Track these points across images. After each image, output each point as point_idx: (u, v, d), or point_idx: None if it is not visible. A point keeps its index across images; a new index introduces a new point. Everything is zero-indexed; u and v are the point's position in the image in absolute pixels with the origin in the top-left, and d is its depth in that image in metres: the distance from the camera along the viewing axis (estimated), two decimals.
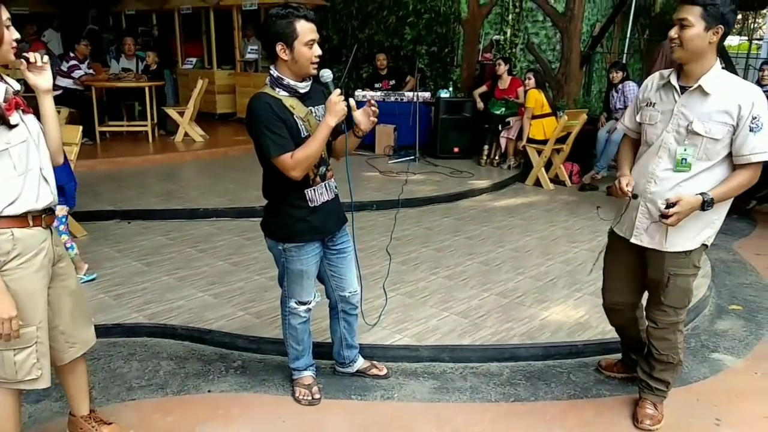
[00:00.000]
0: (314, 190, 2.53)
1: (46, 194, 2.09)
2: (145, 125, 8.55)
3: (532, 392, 2.94)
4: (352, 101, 2.42)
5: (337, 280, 2.77)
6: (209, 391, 2.94)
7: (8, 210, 1.97)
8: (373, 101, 2.52)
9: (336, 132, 2.49)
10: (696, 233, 2.37)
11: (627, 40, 8.98)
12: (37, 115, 2.14)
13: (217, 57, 10.55)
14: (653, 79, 2.45)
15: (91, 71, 8.44)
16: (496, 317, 3.59)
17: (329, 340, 3.06)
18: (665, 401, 2.71)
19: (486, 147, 7.77)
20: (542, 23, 8.43)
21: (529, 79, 7.07)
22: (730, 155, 2.28)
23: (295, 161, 2.35)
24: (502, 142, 7.53)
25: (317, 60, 2.37)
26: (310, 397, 2.81)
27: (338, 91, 2.35)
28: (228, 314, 3.58)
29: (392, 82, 8.54)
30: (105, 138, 8.40)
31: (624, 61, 8.05)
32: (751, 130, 2.18)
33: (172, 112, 8.70)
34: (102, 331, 3.37)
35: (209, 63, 10.87)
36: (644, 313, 2.66)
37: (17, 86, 2.06)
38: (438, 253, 4.72)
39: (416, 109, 7.94)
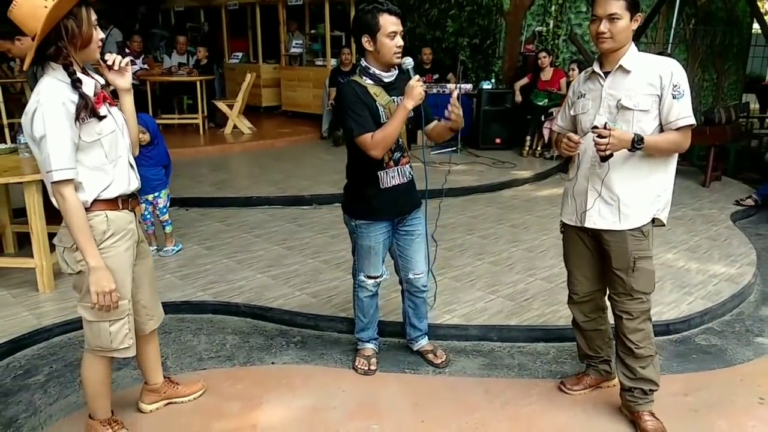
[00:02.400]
0: (386, 172, 2.71)
1: (133, 180, 2.31)
2: (196, 118, 8.89)
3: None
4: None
5: (404, 260, 2.95)
6: (273, 363, 3.16)
7: (104, 194, 2.18)
8: (455, 102, 2.61)
9: (418, 118, 2.69)
10: (646, 207, 2.45)
11: (672, 29, 8.88)
12: None
13: (263, 51, 10.84)
14: (580, 76, 2.63)
15: (145, 66, 8.81)
16: (542, 300, 3.72)
17: (391, 319, 3.30)
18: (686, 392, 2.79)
19: (528, 138, 7.85)
20: (585, 14, 8.42)
21: (573, 70, 7.12)
22: (662, 130, 2.39)
23: (374, 141, 2.55)
24: (545, 133, 7.59)
25: (399, 50, 2.55)
26: (366, 367, 3.00)
27: (417, 76, 2.53)
28: (286, 294, 3.80)
29: (435, 76, 8.67)
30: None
31: (669, 51, 8.00)
32: (674, 97, 2.32)
33: (221, 105, 9.02)
34: (172, 307, 3.66)
35: (254, 57, 11.17)
36: (614, 311, 2.60)
37: (102, 81, 2.25)
38: (483, 240, 4.86)
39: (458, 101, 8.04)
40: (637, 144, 2.30)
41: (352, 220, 2.82)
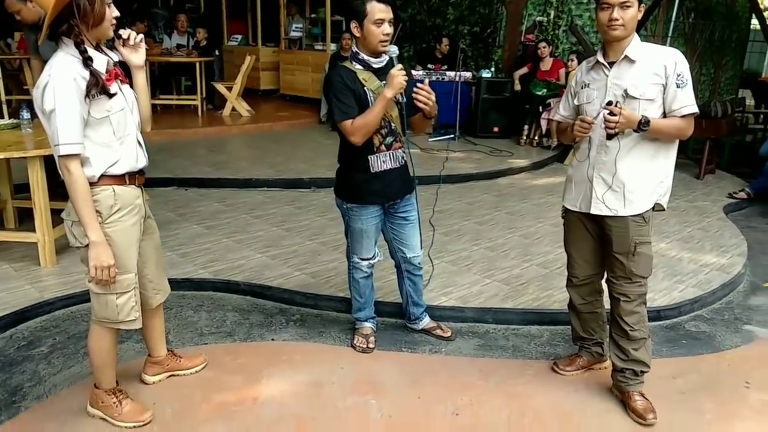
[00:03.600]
0: (377, 157, 2.75)
1: (141, 157, 2.35)
2: (195, 99, 8.89)
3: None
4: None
5: (399, 243, 3.00)
6: (273, 340, 3.22)
7: (111, 170, 2.22)
8: (424, 84, 2.60)
9: (410, 109, 2.69)
10: (649, 193, 2.52)
11: (672, 23, 8.94)
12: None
13: (262, 34, 10.80)
14: (582, 66, 2.68)
15: (145, 46, 8.76)
16: (537, 285, 3.79)
17: (389, 300, 3.37)
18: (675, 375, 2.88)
19: (526, 127, 7.91)
20: (586, 5, 8.44)
21: (572, 61, 7.16)
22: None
23: (354, 127, 2.60)
24: (543, 123, 7.64)
25: (385, 38, 2.58)
26: (365, 345, 3.07)
27: (399, 66, 2.56)
28: (285, 273, 3.86)
29: (444, 67, 8.65)
30: (156, 111, 8.74)
31: (668, 44, 8.05)
32: (677, 86, 2.39)
33: (220, 87, 9.01)
34: (173, 284, 3.62)
35: (254, 40, 11.14)
36: (612, 293, 2.65)
37: (116, 58, 2.28)
38: (479, 227, 4.92)
39: (457, 89, 8.08)
40: (643, 125, 2.36)
41: (344, 204, 2.86)
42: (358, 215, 2.85)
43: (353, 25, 2.60)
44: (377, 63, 2.68)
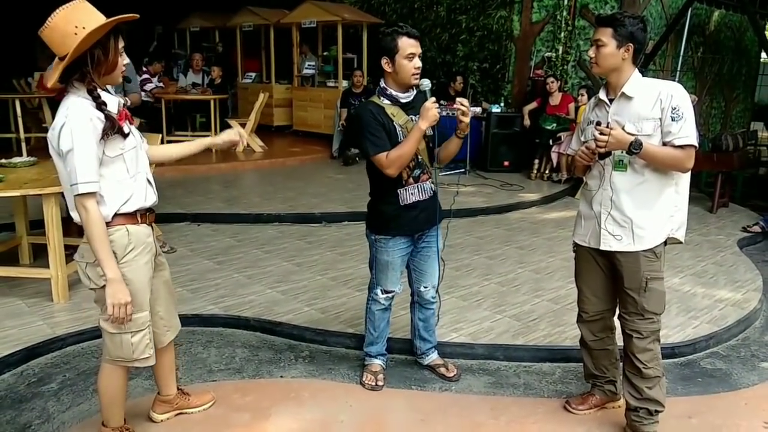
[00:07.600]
0: (406, 189, 2.79)
1: (151, 194, 2.38)
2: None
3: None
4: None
5: (417, 273, 3.02)
6: (281, 377, 3.20)
7: (123, 208, 2.25)
8: (461, 104, 2.68)
9: (439, 138, 2.77)
10: (659, 228, 2.51)
11: (680, 57, 9.00)
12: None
13: (275, 72, 11.02)
14: (590, 103, 2.72)
15: (161, 84, 8.98)
16: (548, 321, 3.75)
17: (399, 336, 3.35)
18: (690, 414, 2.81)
19: (536, 161, 7.93)
20: None
21: (582, 95, 7.21)
22: None
23: (389, 160, 2.64)
24: (554, 156, 7.66)
25: (417, 71, 2.64)
26: (374, 383, 3.05)
27: (433, 99, 2.62)
28: (295, 309, 3.85)
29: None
30: None
31: (677, 79, 8.09)
32: (672, 119, 2.39)
33: (234, 124, 9.13)
34: (182, 320, 3.62)
35: (267, 78, 11.35)
36: (624, 330, 2.62)
37: (123, 100, 2.34)
38: (490, 261, 4.91)
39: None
40: (634, 148, 2.36)
41: (372, 235, 2.90)
42: (385, 247, 2.87)
43: (384, 60, 2.66)
44: (405, 98, 2.73)
